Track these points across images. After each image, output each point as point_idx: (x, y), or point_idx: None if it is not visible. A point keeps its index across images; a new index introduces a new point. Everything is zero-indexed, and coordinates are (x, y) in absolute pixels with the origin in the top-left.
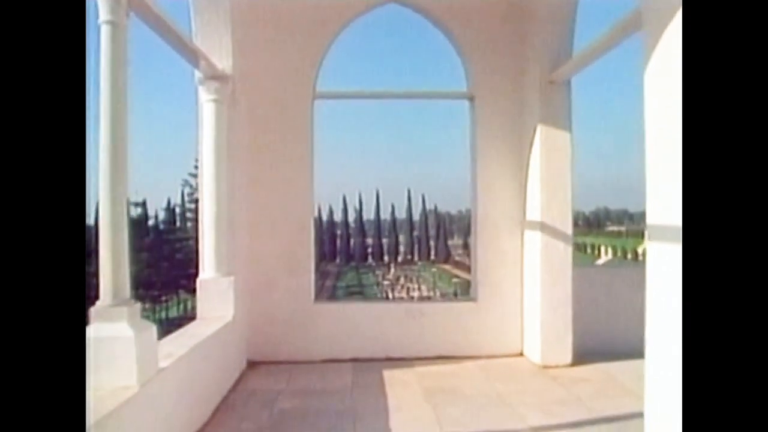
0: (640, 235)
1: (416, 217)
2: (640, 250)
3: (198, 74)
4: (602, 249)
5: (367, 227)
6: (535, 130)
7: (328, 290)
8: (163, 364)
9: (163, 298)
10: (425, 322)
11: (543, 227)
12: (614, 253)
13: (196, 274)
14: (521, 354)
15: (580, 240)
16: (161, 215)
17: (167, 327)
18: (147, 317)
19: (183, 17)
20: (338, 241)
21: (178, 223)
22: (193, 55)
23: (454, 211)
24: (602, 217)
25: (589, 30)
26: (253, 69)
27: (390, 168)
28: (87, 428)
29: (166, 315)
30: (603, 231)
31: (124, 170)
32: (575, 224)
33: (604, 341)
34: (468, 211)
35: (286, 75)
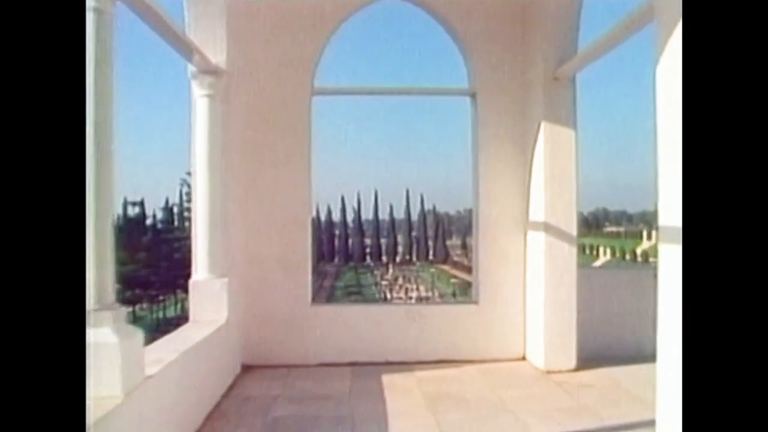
0: (638, 236)
1: (415, 217)
2: (639, 251)
3: (191, 68)
4: (601, 250)
5: (365, 227)
6: (538, 128)
7: (326, 290)
8: (150, 371)
9: (161, 298)
10: (425, 325)
11: (547, 228)
12: (613, 254)
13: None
14: (523, 358)
15: (579, 241)
16: (159, 215)
17: (165, 327)
18: (145, 317)
19: (176, 8)
20: (336, 241)
21: (176, 223)
22: (186, 49)
23: (452, 212)
24: (601, 218)
25: (594, 24)
26: (249, 63)
27: (388, 167)
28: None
29: (164, 314)
30: (601, 232)
31: (110, 167)
32: None
33: (606, 345)
34: (467, 211)
35: (283, 70)
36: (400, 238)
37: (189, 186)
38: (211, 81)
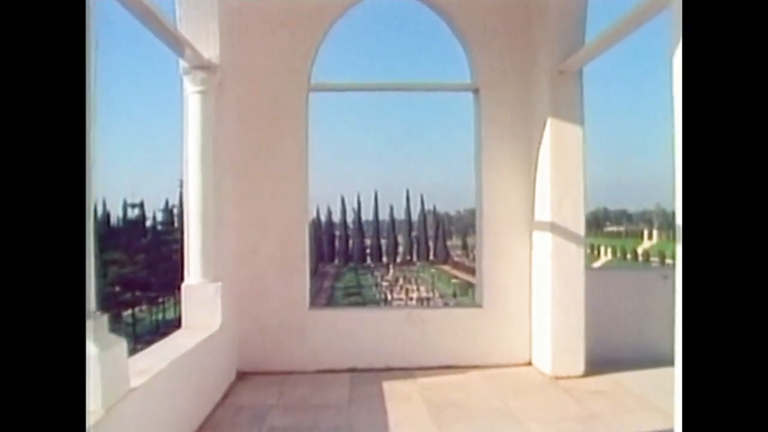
0: (639, 236)
1: (415, 217)
2: (640, 251)
3: (183, 63)
4: (602, 249)
5: (365, 228)
6: (544, 124)
7: (326, 291)
8: (135, 382)
9: (161, 300)
10: (427, 329)
11: (553, 227)
12: (614, 254)
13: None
14: (530, 363)
15: None
16: (159, 216)
17: (164, 329)
18: (144, 319)
19: (166, 1)
20: (337, 242)
21: (176, 224)
22: (177, 43)
23: (452, 212)
24: (601, 217)
25: (602, 14)
26: (243, 58)
27: (388, 167)
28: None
29: (164, 317)
30: (602, 231)
31: (90, 166)
32: None
33: (614, 349)
34: (467, 211)
35: (279, 65)
36: (400, 239)
37: None
38: (203, 76)
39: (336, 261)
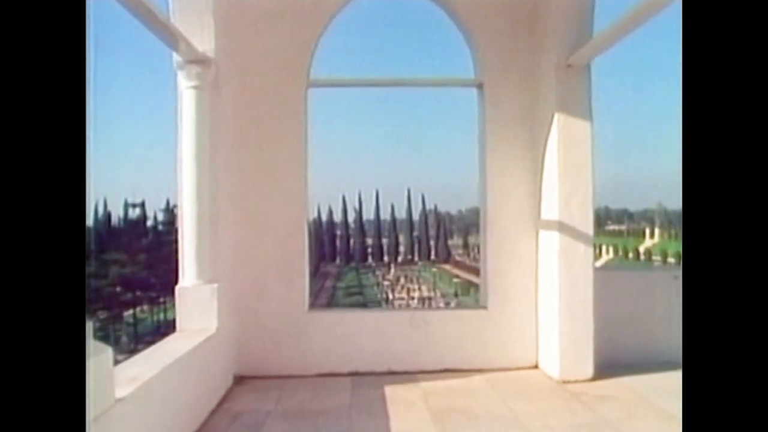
0: (640, 234)
1: (416, 216)
2: (641, 249)
3: (177, 58)
4: (603, 248)
5: (366, 227)
6: (551, 120)
7: (327, 291)
8: (122, 392)
9: (162, 300)
10: (430, 332)
11: (561, 226)
12: (615, 253)
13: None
14: (536, 366)
15: None
16: (160, 216)
17: (165, 329)
18: (146, 319)
19: None
20: (338, 242)
21: (177, 224)
22: (170, 36)
23: (454, 211)
24: (602, 216)
25: (609, 6)
26: (239, 53)
27: (389, 166)
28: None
29: (165, 317)
30: (603, 230)
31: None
32: None
33: (623, 352)
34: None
35: (277, 60)
36: (401, 238)
37: None
38: (198, 71)
39: (337, 260)
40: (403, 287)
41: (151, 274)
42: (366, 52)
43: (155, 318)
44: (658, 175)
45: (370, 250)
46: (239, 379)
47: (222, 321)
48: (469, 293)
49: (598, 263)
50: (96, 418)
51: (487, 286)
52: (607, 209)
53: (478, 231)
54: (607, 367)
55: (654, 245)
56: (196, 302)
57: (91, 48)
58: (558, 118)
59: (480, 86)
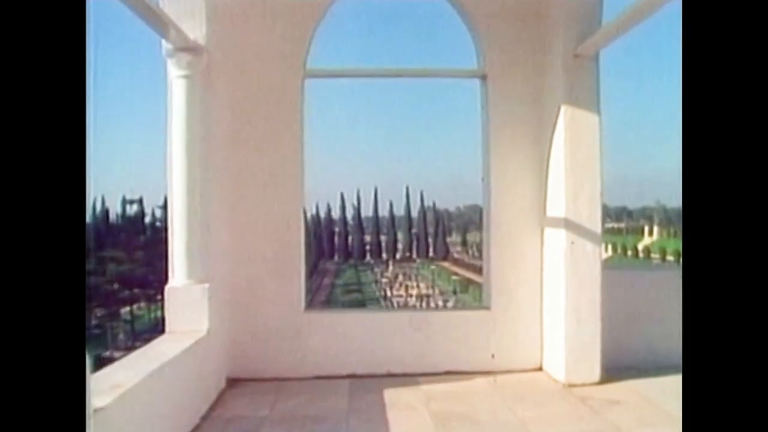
0: (639, 232)
1: (414, 213)
2: (640, 247)
3: (166, 45)
4: (602, 246)
5: (365, 224)
6: (558, 112)
7: (326, 288)
8: (101, 401)
9: (159, 297)
10: (431, 333)
11: (567, 224)
12: (614, 250)
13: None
14: (540, 369)
15: None
16: (158, 213)
17: (162, 327)
18: (143, 316)
19: None
20: (336, 239)
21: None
22: (159, 22)
23: (452, 208)
24: (602, 214)
25: None
26: (233, 41)
27: (387, 162)
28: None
29: (162, 314)
30: (602, 228)
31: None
32: None
33: (631, 354)
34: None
35: (272, 49)
36: (400, 236)
37: None
38: (189, 60)
39: (336, 258)
40: (401, 284)
41: (148, 272)
42: (365, 42)
43: (152, 315)
44: (657, 173)
45: (368, 247)
46: (232, 382)
47: (214, 322)
48: (467, 291)
49: None
50: None
51: (490, 286)
52: (605, 207)
53: (476, 228)
54: (615, 369)
55: (653, 243)
56: (187, 303)
57: (90, 41)
58: (565, 111)
59: (483, 77)
